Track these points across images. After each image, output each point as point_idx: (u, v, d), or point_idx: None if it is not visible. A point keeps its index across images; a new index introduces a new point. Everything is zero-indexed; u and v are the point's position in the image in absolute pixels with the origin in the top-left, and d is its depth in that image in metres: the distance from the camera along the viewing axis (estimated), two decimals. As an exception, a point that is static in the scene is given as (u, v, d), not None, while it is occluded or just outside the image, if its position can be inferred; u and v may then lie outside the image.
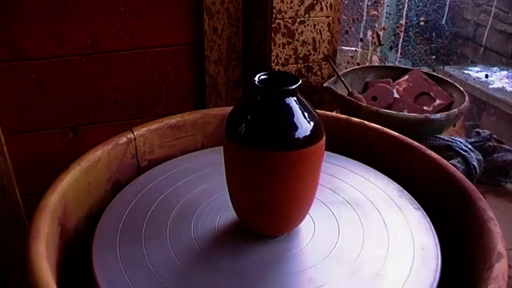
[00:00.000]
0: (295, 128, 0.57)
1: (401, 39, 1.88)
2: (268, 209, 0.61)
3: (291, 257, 0.62)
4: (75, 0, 1.05)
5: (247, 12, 1.19)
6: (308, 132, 0.57)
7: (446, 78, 1.31)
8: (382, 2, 1.77)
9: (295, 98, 0.58)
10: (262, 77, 0.59)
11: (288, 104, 0.58)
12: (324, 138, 0.60)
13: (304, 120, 0.57)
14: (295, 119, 0.57)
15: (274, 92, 0.58)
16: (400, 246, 0.63)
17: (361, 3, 1.70)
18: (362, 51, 1.66)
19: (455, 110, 1.14)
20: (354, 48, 1.64)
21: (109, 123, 1.19)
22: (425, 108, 1.24)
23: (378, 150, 0.82)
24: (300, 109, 0.58)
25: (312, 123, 0.58)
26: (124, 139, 0.78)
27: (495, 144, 1.17)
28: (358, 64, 1.48)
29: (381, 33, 1.67)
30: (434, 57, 1.96)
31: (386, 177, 0.77)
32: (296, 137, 0.57)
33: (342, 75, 1.24)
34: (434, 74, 1.35)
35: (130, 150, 0.79)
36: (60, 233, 0.64)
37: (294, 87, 0.57)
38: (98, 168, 0.73)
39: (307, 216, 0.67)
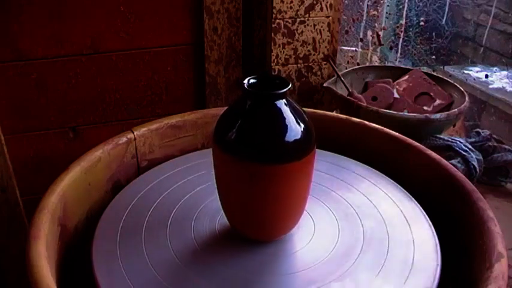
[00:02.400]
0: (286, 140, 0.55)
1: (401, 39, 1.88)
2: (257, 217, 0.61)
3: (292, 257, 0.62)
4: (75, 1, 1.05)
5: (247, 12, 1.19)
6: (298, 145, 0.56)
7: (446, 78, 1.31)
8: (382, 2, 1.78)
9: (284, 101, 0.56)
10: (252, 80, 0.58)
11: (278, 110, 0.56)
12: (315, 147, 0.59)
13: (294, 129, 0.56)
14: (285, 128, 0.56)
15: (263, 96, 0.56)
16: (400, 246, 0.63)
17: (361, 3, 1.70)
18: (362, 51, 1.66)
19: (455, 110, 1.14)
20: (354, 48, 1.64)
21: (109, 123, 1.19)
22: (425, 108, 1.24)
23: (378, 150, 0.82)
24: (290, 116, 0.56)
25: (302, 132, 0.56)
26: (124, 139, 0.78)
27: (495, 144, 1.17)
28: (358, 64, 1.48)
29: (381, 33, 1.67)
30: (434, 57, 1.97)
31: (386, 177, 0.77)
32: (286, 149, 0.55)
33: (342, 75, 1.24)
34: (434, 74, 1.35)
35: (130, 150, 0.79)
36: (60, 233, 0.64)
37: (283, 91, 0.55)
38: (98, 168, 0.73)
39: (307, 216, 0.67)
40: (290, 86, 0.56)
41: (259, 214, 0.60)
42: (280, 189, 0.57)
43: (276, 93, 0.56)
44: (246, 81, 0.57)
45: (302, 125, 0.57)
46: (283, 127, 0.56)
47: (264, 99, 0.56)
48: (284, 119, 0.56)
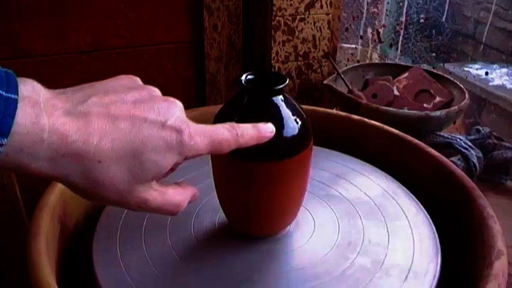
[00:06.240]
0: (282, 136, 0.54)
1: (401, 37, 1.88)
2: (254, 213, 0.61)
3: (291, 255, 0.62)
4: (74, -2, 1.05)
5: (247, 9, 1.19)
6: (295, 141, 0.55)
7: (446, 76, 1.31)
8: (382, -1, 1.77)
9: (281, 97, 0.56)
10: (249, 77, 0.57)
11: (275, 106, 0.55)
12: (312, 142, 0.58)
13: (291, 125, 0.55)
14: (281, 124, 0.55)
15: (260, 92, 0.56)
16: (400, 244, 0.63)
17: (361, 1, 1.70)
18: (362, 48, 1.66)
19: (455, 107, 1.14)
20: (354, 46, 1.64)
21: (109, 122, 1.18)
22: (425, 105, 1.24)
23: (377, 147, 0.82)
24: (287, 113, 0.55)
25: (299, 128, 0.56)
26: (124, 137, 0.78)
27: (495, 141, 1.17)
28: (358, 61, 1.48)
29: (381, 30, 1.67)
30: (434, 54, 1.96)
31: (386, 174, 0.77)
32: (282, 147, 0.55)
33: (342, 73, 1.24)
34: (434, 71, 1.35)
35: (130, 148, 0.79)
36: (60, 230, 0.64)
37: (280, 87, 0.55)
38: (98, 166, 0.73)
39: (307, 214, 0.67)
40: (288, 81, 0.56)
41: (256, 211, 0.60)
42: (276, 186, 0.57)
43: (273, 89, 0.55)
44: (243, 77, 0.57)
45: (299, 122, 0.57)
46: (280, 123, 0.55)
47: (261, 95, 0.56)
48: (281, 115, 0.55)
